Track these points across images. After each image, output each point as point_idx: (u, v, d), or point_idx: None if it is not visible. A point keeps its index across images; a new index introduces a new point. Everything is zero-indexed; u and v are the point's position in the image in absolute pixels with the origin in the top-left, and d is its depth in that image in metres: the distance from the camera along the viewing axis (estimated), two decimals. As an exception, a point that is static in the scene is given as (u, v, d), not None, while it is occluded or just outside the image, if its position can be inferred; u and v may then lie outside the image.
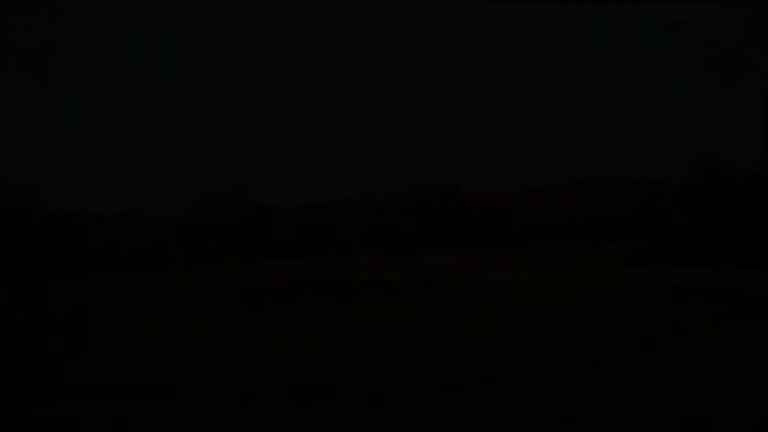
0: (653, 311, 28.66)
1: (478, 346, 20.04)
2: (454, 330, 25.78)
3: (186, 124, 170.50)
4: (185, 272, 48.11)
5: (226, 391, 13.71)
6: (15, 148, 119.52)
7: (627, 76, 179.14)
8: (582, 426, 9.02)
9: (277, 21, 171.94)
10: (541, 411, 9.95)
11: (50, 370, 17.62)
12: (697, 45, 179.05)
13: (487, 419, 9.62)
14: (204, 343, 24.94)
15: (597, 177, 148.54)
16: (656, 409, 9.76)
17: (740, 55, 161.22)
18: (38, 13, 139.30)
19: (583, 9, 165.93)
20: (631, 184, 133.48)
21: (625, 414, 9.55)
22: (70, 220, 41.40)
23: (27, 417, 9.35)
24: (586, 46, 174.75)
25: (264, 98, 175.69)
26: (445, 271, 52.41)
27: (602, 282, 40.13)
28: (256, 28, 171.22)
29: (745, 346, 16.20)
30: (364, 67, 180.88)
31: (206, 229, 59.79)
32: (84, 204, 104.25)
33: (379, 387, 13.52)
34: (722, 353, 15.42)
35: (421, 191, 79.90)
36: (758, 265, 41.44)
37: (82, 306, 32.12)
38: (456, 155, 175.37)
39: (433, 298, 36.80)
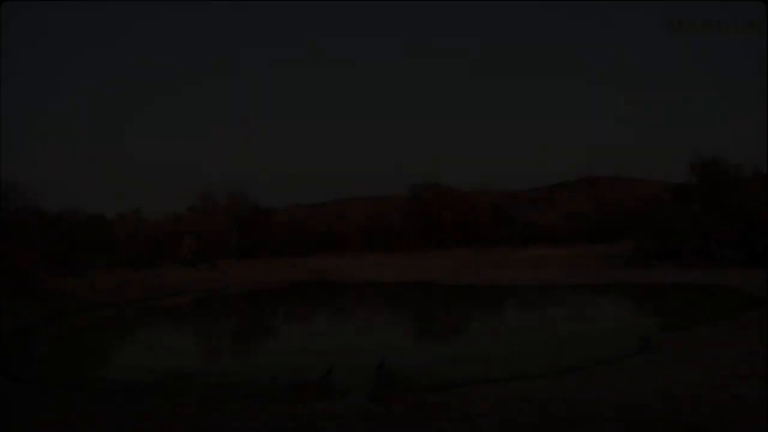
0: (653, 311, 28.66)
1: (478, 345, 20.05)
2: (453, 330, 25.79)
3: (185, 124, 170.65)
4: (185, 272, 48.09)
5: (225, 391, 13.70)
6: (14, 147, 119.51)
7: (626, 75, 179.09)
8: (581, 427, 9.00)
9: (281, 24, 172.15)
10: (540, 411, 9.93)
11: (49, 370, 17.61)
12: (697, 44, 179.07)
13: (487, 419, 9.61)
14: (204, 343, 24.95)
15: (597, 177, 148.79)
16: (655, 410, 9.75)
17: (740, 54, 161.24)
18: (40, 8, 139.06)
19: (584, 7, 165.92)
20: (631, 184, 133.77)
21: (625, 414, 9.54)
22: (70, 220, 41.32)
23: (25, 418, 9.35)
24: (585, 45, 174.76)
25: (263, 97, 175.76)
26: (444, 270, 52.42)
27: (603, 282, 40.14)
28: (259, 31, 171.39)
29: (745, 346, 16.18)
30: (363, 63, 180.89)
31: (206, 229, 59.79)
32: (84, 204, 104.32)
33: (379, 387, 13.51)
34: (722, 353, 15.41)
35: (421, 191, 79.92)
36: (758, 265, 41.45)
37: (80, 306, 32.10)
38: (456, 155, 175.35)
39: (433, 298, 36.80)
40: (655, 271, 44.30)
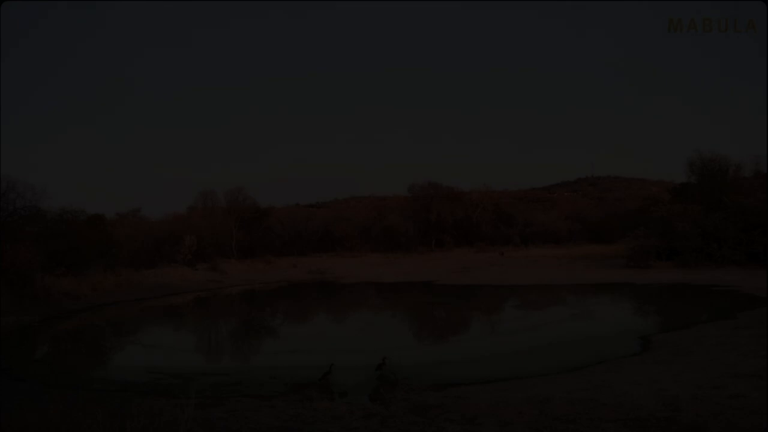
0: (653, 311, 28.66)
1: (478, 345, 20.05)
2: (453, 330, 25.79)
3: (184, 124, 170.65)
4: (185, 272, 48.08)
5: (225, 391, 13.70)
6: (15, 147, 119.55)
7: (627, 74, 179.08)
8: (581, 427, 9.00)
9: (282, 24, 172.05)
10: (540, 411, 9.93)
11: (49, 370, 17.61)
12: (697, 44, 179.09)
13: (486, 419, 9.61)
14: (204, 343, 24.94)
15: (597, 177, 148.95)
16: (655, 410, 9.75)
17: (740, 54, 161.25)
18: (41, 8, 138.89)
19: (585, 6, 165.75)
20: (631, 184, 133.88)
21: (625, 414, 9.54)
22: (70, 220, 41.27)
23: (25, 417, 9.31)
24: (585, 44, 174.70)
25: (263, 97, 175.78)
26: (444, 271, 52.42)
27: (603, 282, 40.14)
28: (255, 28, 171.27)
29: (745, 346, 16.19)
30: (363, 58, 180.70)
31: (206, 229, 59.73)
32: (84, 204, 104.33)
33: (379, 387, 13.53)
34: (722, 353, 15.41)
35: (421, 191, 79.91)
36: (758, 265, 41.48)
37: (80, 306, 32.11)
38: (456, 154, 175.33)
39: (433, 298, 36.79)
40: (655, 271, 44.30)
